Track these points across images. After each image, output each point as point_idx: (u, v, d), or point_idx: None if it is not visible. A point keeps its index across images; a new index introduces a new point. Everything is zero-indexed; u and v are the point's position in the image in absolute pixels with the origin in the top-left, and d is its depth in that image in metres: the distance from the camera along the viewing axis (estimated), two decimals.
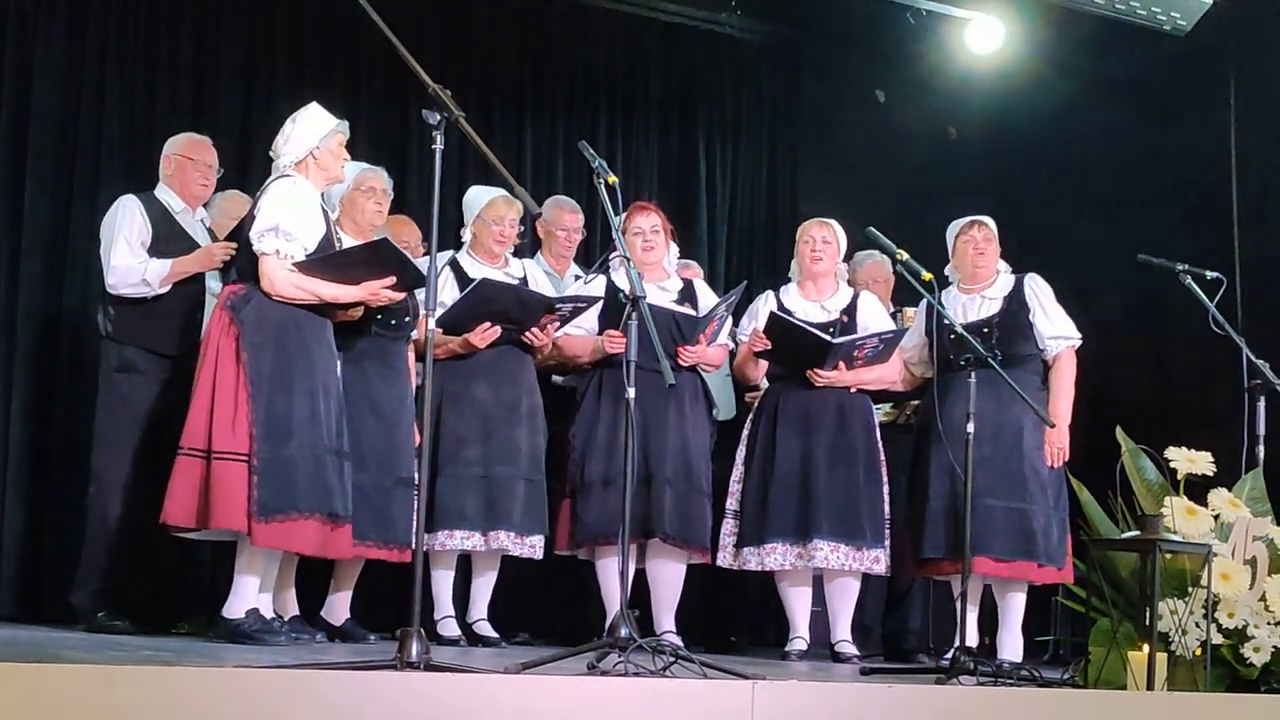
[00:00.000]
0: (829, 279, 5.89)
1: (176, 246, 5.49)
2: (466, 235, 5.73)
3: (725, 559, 5.74)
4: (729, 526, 5.76)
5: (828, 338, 5.61)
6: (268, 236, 4.77)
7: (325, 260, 4.84)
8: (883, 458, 5.79)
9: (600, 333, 5.67)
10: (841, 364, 5.65)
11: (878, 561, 5.67)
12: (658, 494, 5.50)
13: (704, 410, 5.77)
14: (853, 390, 5.74)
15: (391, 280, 4.89)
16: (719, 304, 5.65)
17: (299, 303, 4.81)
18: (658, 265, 5.75)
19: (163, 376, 5.46)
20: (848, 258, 6.09)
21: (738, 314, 5.97)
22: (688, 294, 5.80)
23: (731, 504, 5.78)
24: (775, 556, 5.63)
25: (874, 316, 5.87)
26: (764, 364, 5.88)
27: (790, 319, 5.71)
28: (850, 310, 5.85)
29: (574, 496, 5.57)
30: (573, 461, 5.60)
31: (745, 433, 5.89)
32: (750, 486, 5.74)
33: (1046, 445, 5.57)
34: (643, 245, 5.68)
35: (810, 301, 5.87)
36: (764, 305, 5.88)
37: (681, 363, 5.59)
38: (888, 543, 5.71)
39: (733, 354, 6.04)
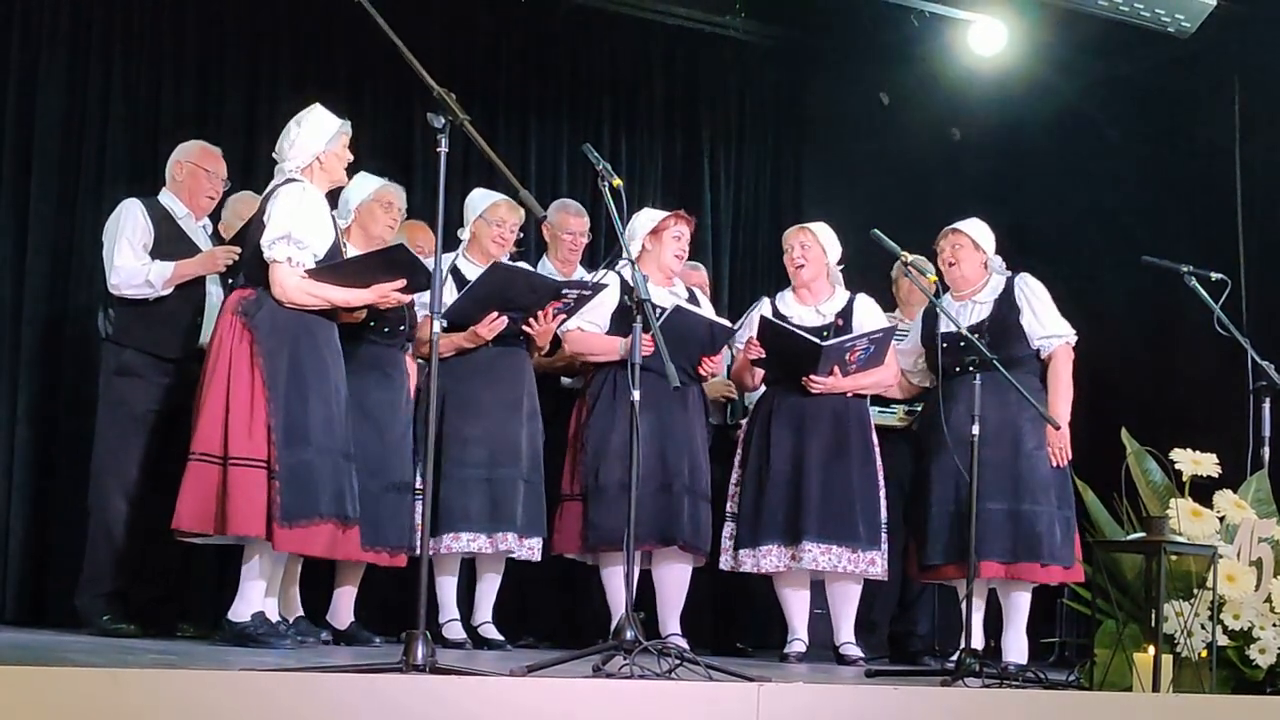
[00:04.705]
0: (821, 282, 5.87)
1: (178, 250, 5.50)
2: (464, 234, 5.74)
3: (726, 561, 5.75)
4: (728, 529, 5.77)
5: (816, 340, 5.60)
6: (279, 244, 4.75)
7: (339, 266, 4.85)
8: (879, 460, 5.77)
9: (608, 333, 5.67)
10: (836, 370, 5.64)
11: (873, 564, 5.64)
12: (676, 501, 5.50)
13: (704, 415, 5.78)
14: (849, 395, 5.74)
15: (402, 282, 4.90)
16: (747, 314, 5.70)
17: (311, 309, 4.82)
18: (678, 272, 5.80)
19: (163, 380, 5.47)
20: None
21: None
22: (692, 300, 5.82)
23: (731, 507, 5.79)
24: (770, 559, 5.63)
25: (869, 318, 5.83)
26: (760, 372, 5.87)
27: (779, 322, 5.72)
28: (846, 313, 5.83)
29: (586, 499, 5.56)
30: (584, 464, 5.58)
31: (741, 436, 5.91)
32: (746, 489, 5.75)
33: (1048, 445, 5.56)
34: (678, 252, 5.74)
35: (806, 306, 5.86)
36: (758, 312, 5.88)
37: (703, 371, 5.61)
38: (885, 545, 5.70)
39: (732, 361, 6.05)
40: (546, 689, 3.26)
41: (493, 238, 5.66)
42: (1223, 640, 4.38)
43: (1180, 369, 7.03)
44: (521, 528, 5.46)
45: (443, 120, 3.71)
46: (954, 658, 4.99)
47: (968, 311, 5.72)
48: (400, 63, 3.73)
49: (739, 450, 5.87)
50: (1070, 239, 7.47)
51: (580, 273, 6.28)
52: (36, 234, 6.33)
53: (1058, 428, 5.47)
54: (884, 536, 5.70)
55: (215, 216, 5.82)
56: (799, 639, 5.77)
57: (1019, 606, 5.66)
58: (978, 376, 4.97)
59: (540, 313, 5.50)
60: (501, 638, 5.60)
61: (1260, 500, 4.87)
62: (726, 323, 5.71)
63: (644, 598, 5.65)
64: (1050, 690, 4.35)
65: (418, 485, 5.27)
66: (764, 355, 5.70)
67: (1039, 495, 5.52)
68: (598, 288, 5.66)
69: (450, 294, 5.47)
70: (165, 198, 5.63)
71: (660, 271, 5.71)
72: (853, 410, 5.75)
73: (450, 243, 5.80)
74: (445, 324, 5.38)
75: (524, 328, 5.52)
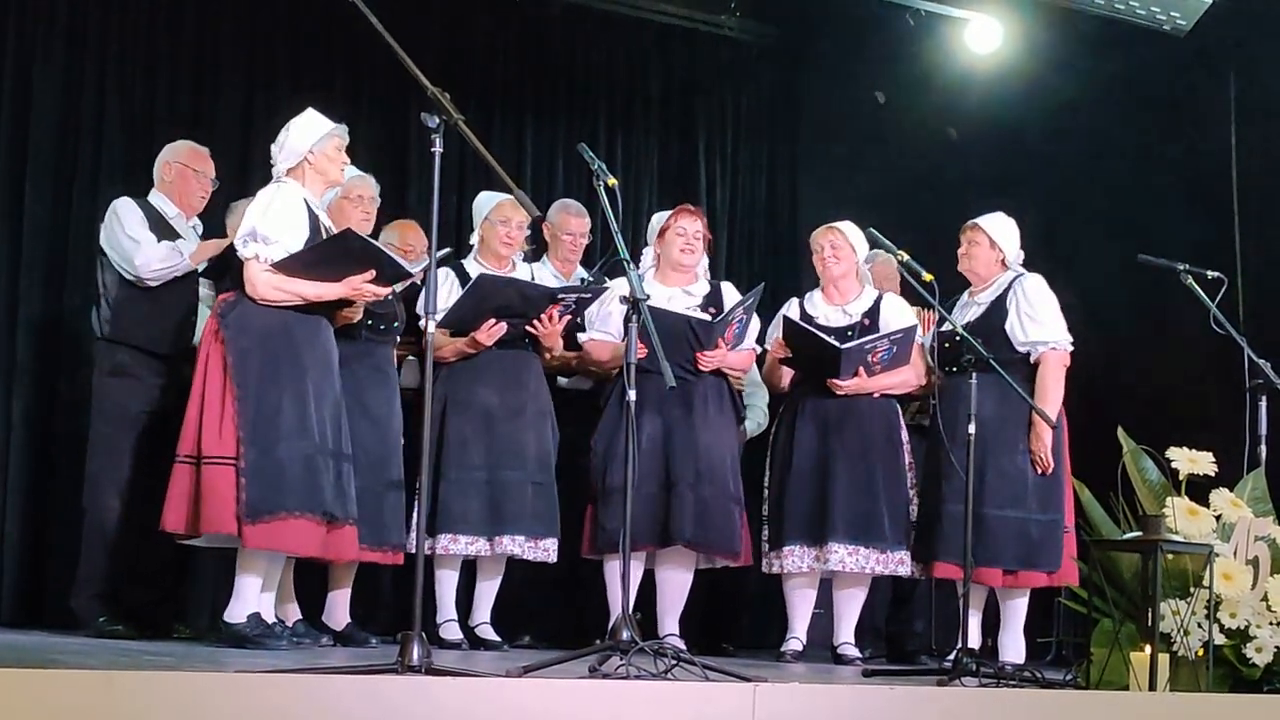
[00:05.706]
0: (850, 281, 5.85)
1: None
2: (474, 239, 5.74)
3: (765, 565, 5.75)
4: (765, 533, 5.77)
5: (835, 343, 5.58)
6: (248, 242, 4.80)
7: (298, 258, 4.83)
8: (907, 459, 5.76)
9: (623, 338, 5.66)
10: (861, 371, 5.63)
11: (902, 563, 5.64)
12: (678, 499, 5.48)
13: (731, 415, 5.73)
14: (875, 395, 5.72)
15: (372, 274, 4.89)
16: (735, 307, 5.63)
17: (283, 304, 4.82)
18: (692, 269, 5.76)
19: (156, 380, 5.48)
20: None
21: (766, 319, 5.91)
22: (714, 298, 5.76)
23: (765, 510, 5.80)
24: (793, 559, 5.63)
25: (896, 317, 5.80)
26: (789, 372, 5.85)
27: (802, 324, 5.69)
28: (872, 313, 5.80)
29: (595, 503, 5.56)
30: (594, 468, 5.57)
31: (771, 438, 5.91)
32: (773, 491, 5.76)
33: (1030, 451, 5.52)
34: (683, 247, 5.70)
35: (833, 306, 5.84)
36: (786, 312, 5.86)
37: (701, 368, 5.58)
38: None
39: (761, 361, 6.01)
40: (542, 689, 3.26)
41: (500, 238, 5.65)
42: (1219, 639, 4.37)
43: (1177, 367, 7.02)
44: (529, 529, 5.45)
45: (437, 120, 3.71)
46: (951, 657, 4.99)
47: (969, 310, 5.71)
48: (396, 63, 3.73)
49: (769, 453, 5.87)
50: (1066, 237, 7.45)
51: (580, 273, 6.27)
52: (31, 235, 6.32)
53: (1053, 425, 5.45)
54: (913, 535, 5.69)
55: (217, 220, 5.82)
56: (796, 638, 5.76)
57: (1016, 606, 5.66)
58: (974, 375, 4.95)
59: (544, 315, 5.49)
60: (498, 638, 5.60)
61: (1257, 498, 4.86)
62: (706, 317, 5.64)
63: (650, 599, 5.65)
64: (1047, 689, 4.34)
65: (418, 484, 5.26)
66: (791, 355, 5.69)
67: (1011, 499, 5.47)
68: (597, 290, 5.65)
69: (456, 296, 5.46)
70: (155, 198, 5.63)
71: (674, 271, 5.70)
72: (879, 410, 5.72)
73: (447, 242, 5.82)
74: (450, 330, 5.40)
75: (529, 329, 5.51)
